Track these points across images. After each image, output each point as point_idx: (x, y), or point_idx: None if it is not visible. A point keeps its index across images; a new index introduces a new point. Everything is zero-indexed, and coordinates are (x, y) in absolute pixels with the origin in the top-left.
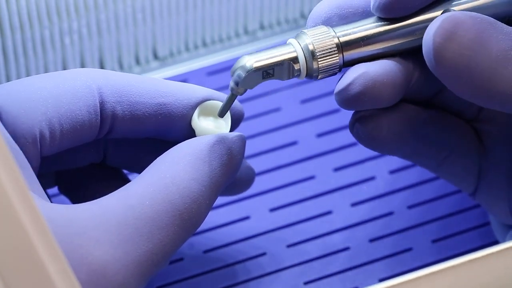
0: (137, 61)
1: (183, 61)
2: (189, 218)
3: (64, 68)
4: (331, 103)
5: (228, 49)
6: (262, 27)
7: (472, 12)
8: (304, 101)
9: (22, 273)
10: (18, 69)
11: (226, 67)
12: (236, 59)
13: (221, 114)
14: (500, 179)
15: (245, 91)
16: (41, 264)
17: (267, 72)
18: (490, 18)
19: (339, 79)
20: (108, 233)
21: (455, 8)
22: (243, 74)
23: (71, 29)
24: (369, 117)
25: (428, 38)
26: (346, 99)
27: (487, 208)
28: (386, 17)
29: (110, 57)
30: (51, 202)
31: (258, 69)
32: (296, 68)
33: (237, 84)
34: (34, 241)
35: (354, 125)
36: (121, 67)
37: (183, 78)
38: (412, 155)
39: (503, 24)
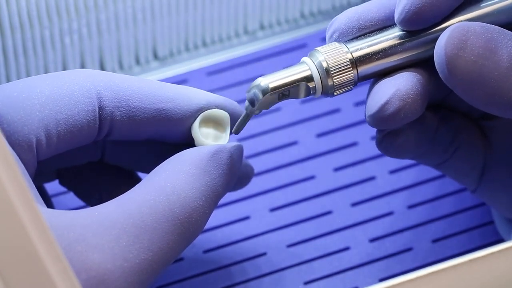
0: (137, 61)
1: (183, 61)
2: (189, 227)
3: (64, 68)
4: (331, 103)
5: (228, 49)
6: (262, 27)
7: (480, 22)
8: (304, 101)
9: (22, 273)
10: (18, 69)
11: (226, 67)
12: (236, 59)
13: (236, 132)
14: (504, 174)
15: (260, 111)
16: (42, 264)
17: (282, 93)
18: (497, 26)
19: (367, 100)
20: (107, 241)
21: (467, 16)
22: (259, 95)
23: (71, 29)
24: (397, 132)
25: (439, 49)
26: (383, 119)
27: (490, 203)
28: (408, 30)
29: (110, 57)
30: (51, 200)
31: (274, 89)
32: (311, 87)
33: (252, 104)
34: (35, 241)
35: (382, 142)
36: (121, 67)
37: (183, 78)
38: (422, 155)
39: (509, 31)
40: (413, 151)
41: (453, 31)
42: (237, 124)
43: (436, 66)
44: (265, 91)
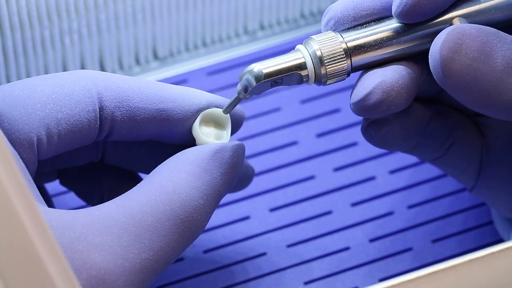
0: (137, 61)
1: (183, 61)
2: (190, 227)
3: (64, 68)
4: (331, 103)
5: (228, 49)
6: (262, 27)
7: (475, 24)
8: (304, 101)
9: (22, 273)
10: (18, 69)
11: (226, 67)
12: (236, 59)
13: (225, 112)
14: (501, 172)
15: (251, 96)
16: (42, 264)
17: (275, 80)
18: (492, 28)
19: (354, 88)
20: (108, 240)
21: (464, 10)
22: (253, 81)
23: (71, 29)
24: (382, 121)
25: (434, 52)
26: (365, 108)
27: (489, 202)
28: (405, 22)
29: (110, 57)
30: (52, 200)
31: (267, 76)
32: (304, 74)
33: (245, 89)
34: (35, 241)
35: (367, 129)
36: (121, 67)
37: (183, 78)
38: (415, 149)
39: (505, 33)
40: (400, 143)
41: (449, 34)
42: (226, 105)
43: (430, 68)
44: (258, 78)
